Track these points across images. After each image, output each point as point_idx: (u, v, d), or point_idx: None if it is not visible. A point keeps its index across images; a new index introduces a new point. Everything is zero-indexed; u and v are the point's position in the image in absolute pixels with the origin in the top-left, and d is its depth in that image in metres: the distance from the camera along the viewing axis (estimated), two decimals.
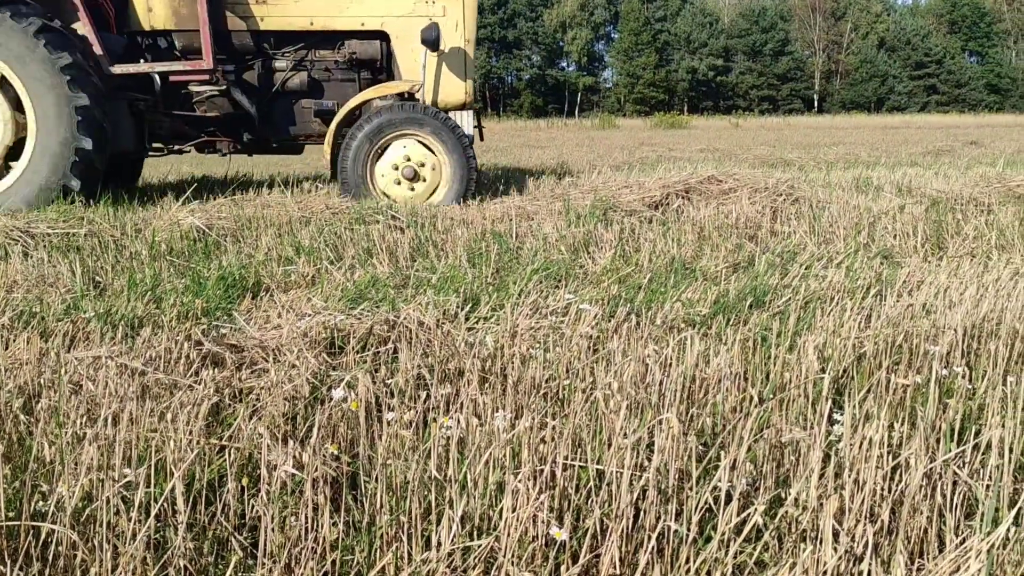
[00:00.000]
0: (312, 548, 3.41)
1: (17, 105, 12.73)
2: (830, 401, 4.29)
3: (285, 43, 14.62)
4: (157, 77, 13.86)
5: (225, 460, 4.01)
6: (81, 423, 4.28)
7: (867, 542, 3.31)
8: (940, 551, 3.46)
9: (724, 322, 5.91)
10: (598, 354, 5.20)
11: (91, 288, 7.23)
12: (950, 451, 3.86)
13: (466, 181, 13.40)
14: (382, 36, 14.66)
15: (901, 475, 3.71)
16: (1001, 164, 19.53)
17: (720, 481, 3.59)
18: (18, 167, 12.65)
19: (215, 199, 12.85)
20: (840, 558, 3.28)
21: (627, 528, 3.46)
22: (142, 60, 14.26)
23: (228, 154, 14.94)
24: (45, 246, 9.11)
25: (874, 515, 3.55)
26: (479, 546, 3.37)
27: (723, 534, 3.39)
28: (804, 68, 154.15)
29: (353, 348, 5.48)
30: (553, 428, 4.05)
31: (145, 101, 13.98)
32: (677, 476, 3.73)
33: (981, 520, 3.48)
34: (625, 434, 3.92)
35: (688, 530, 3.42)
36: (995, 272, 6.85)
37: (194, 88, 14.08)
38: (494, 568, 3.31)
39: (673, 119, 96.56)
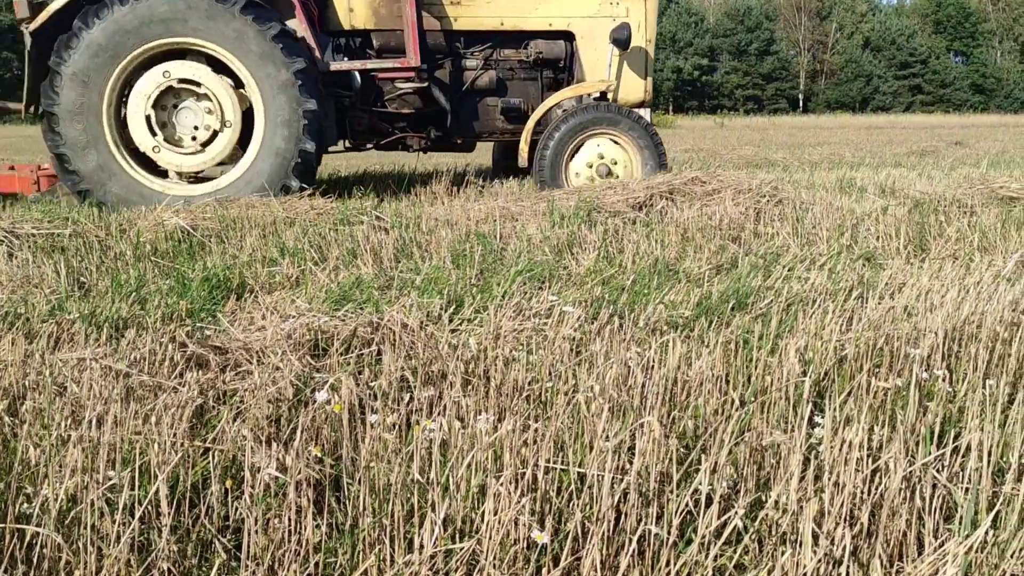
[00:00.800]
0: (295, 550, 3.43)
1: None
2: (811, 404, 4.32)
3: (475, 43, 15.04)
4: (357, 75, 14.21)
5: (209, 462, 4.02)
6: (66, 425, 4.29)
7: (846, 545, 3.33)
8: (919, 554, 3.48)
9: (706, 324, 5.93)
10: (580, 356, 5.22)
11: (76, 289, 7.24)
12: (929, 454, 3.88)
13: (660, 159, 14.03)
14: (567, 36, 15.13)
15: (880, 478, 3.73)
16: (985, 165, 19.57)
17: (701, 484, 3.61)
18: (242, 164, 13.20)
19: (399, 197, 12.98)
20: (819, 561, 3.31)
21: (608, 531, 3.48)
22: (345, 59, 14.59)
23: (417, 151, 15.30)
24: (30, 246, 9.11)
25: (853, 518, 3.58)
26: (461, 549, 3.39)
27: (703, 537, 3.41)
28: (789, 68, 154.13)
29: (337, 350, 5.49)
30: (535, 431, 4.07)
31: (348, 98, 14.35)
32: (658, 479, 3.75)
33: (960, 523, 3.51)
34: (607, 437, 3.94)
35: (669, 533, 3.44)
36: (977, 274, 6.88)
37: (399, 85, 14.41)
38: (476, 571, 3.33)
39: (658, 119, 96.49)
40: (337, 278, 7.50)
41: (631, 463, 3.77)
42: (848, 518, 3.50)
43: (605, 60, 14.89)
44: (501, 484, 3.51)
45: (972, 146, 32.16)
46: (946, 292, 6.34)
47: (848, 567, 3.31)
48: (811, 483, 3.69)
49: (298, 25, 13.46)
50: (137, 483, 3.74)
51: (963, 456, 3.97)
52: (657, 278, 7.28)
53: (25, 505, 3.64)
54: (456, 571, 3.32)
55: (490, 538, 3.36)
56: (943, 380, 4.68)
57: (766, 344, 5.33)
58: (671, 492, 3.66)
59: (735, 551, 3.46)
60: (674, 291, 6.79)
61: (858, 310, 6.06)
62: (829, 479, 3.69)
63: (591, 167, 14.02)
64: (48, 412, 4.42)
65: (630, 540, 3.40)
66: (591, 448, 3.95)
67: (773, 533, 3.60)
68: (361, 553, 3.44)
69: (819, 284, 6.89)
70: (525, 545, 3.39)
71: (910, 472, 3.74)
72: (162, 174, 13.25)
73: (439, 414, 4.38)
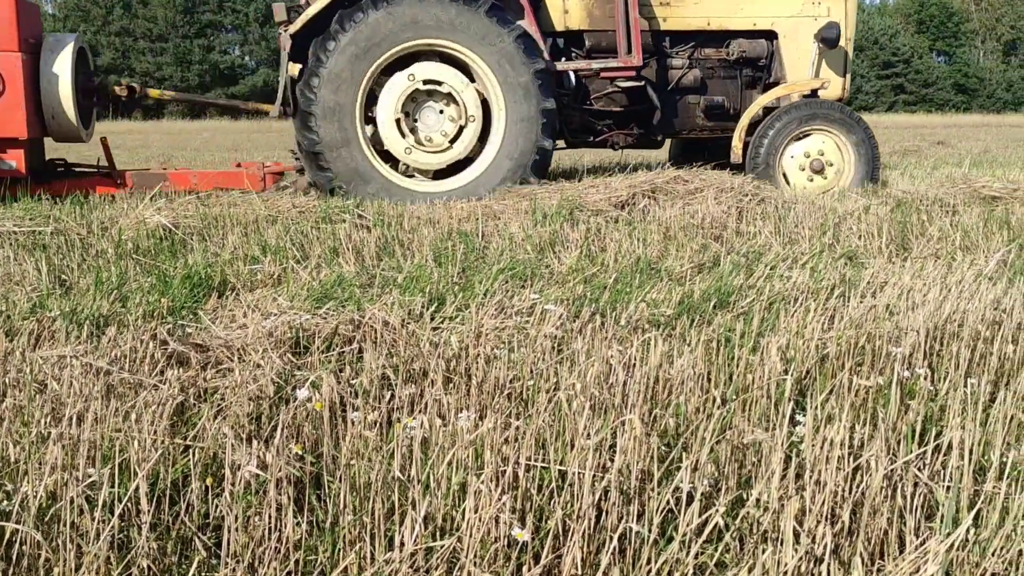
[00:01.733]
0: (275, 548, 3.42)
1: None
2: (792, 402, 4.32)
3: (680, 42, 15.30)
4: (572, 74, 14.49)
5: (189, 460, 4.01)
6: (46, 423, 4.28)
7: (827, 543, 3.33)
8: (900, 552, 3.49)
9: (688, 323, 5.93)
10: (562, 355, 5.22)
11: (57, 287, 7.22)
12: (911, 452, 3.89)
13: (872, 171, 14.39)
14: (769, 35, 15.44)
15: (862, 476, 3.73)
16: (967, 165, 19.62)
17: (682, 482, 3.61)
18: (483, 161, 13.69)
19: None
20: (800, 559, 3.31)
21: (589, 529, 3.48)
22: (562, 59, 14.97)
23: (622, 148, 15.50)
24: (11, 244, 9.09)
25: (835, 516, 3.58)
26: (442, 547, 3.38)
27: (684, 535, 3.41)
28: None
29: (318, 348, 5.48)
30: (516, 429, 4.07)
31: (566, 97, 14.60)
32: (639, 477, 3.75)
33: (941, 521, 3.51)
34: (588, 435, 3.93)
35: (649, 531, 3.44)
36: (959, 273, 6.88)
37: (617, 84, 14.67)
38: (456, 568, 3.33)
39: None
40: (319, 276, 7.49)
41: (612, 461, 3.77)
42: (829, 516, 3.51)
43: (807, 58, 15.26)
44: (482, 482, 3.51)
45: (954, 146, 32.21)
46: (928, 291, 6.35)
47: (829, 565, 3.31)
48: (792, 481, 3.69)
49: (528, 27, 13.90)
50: (117, 480, 3.73)
51: (944, 454, 3.98)
52: (639, 276, 7.28)
53: (5, 502, 3.63)
54: (436, 569, 3.32)
55: (471, 536, 3.36)
56: (925, 379, 4.69)
57: (748, 342, 5.33)
58: (652, 490, 3.66)
59: (716, 549, 3.46)
60: (656, 289, 6.80)
61: (840, 309, 6.07)
62: (810, 477, 3.70)
63: (808, 156, 14.45)
64: (28, 409, 4.41)
65: (611, 538, 3.39)
66: (572, 446, 3.95)
67: (754, 531, 3.60)
68: (342, 551, 3.43)
69: (801, 283, 6.90)
70: (506, 543, 3.38)
71: (891, 470, 3.74)
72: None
73: (420, 412, 4.38)
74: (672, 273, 7.50)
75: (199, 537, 3.61)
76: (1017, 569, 3.25)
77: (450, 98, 13.52)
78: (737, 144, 14.64)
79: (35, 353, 5.32)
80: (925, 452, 3.94)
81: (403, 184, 13.45)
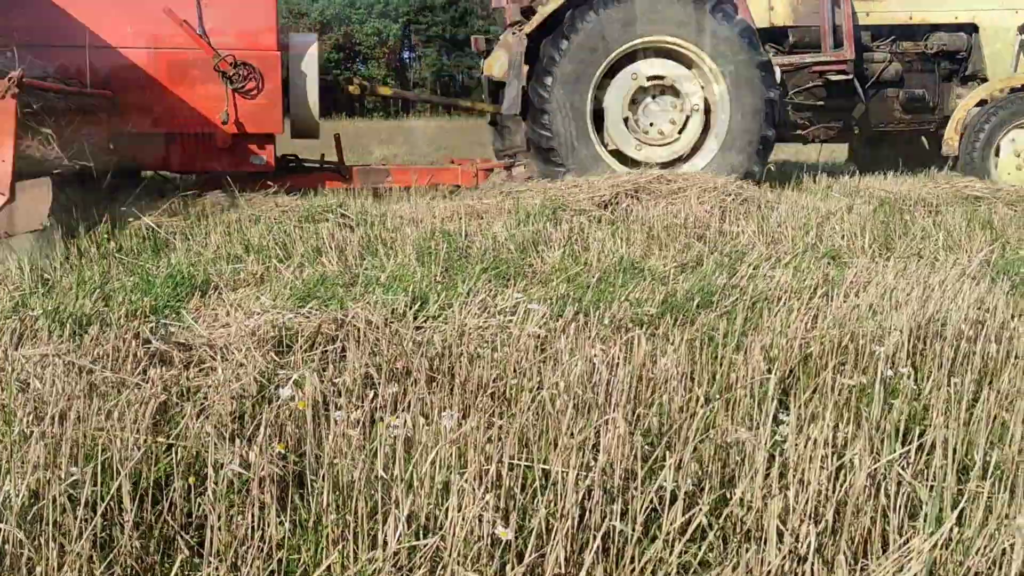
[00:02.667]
0: (258, 547, 3.42)
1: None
2: (776, 401, 4.31)
3: (880, 36, 15.72)
4: (778, 69, 14.66)
5: (172, 459, 4.00)
6: (28, 421, 4.26)
7: (811, 542, 3.33)
8: (884, 551, 3.49)
9: (672, 322, 5.93)
10: (546, 354, 5.21)
11: (39, 285, 7.19)
12: (894, 452, 3.89)
13: None
14: (969, 28, 15.71)
15: (845, 475, 3.73)
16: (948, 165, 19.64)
17: (665, 481, 3.61)
18: (707, 152, 14.24)
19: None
20: (784, 558, 3.31)
21: (572, 528, 3.47)
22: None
23: (822, 142, 16.10)
24: None
25: (818, 515, 3.58)
26: (425, 545, 3.38)
27: (668, 534, 3.41)
28: None
29: (301, 347, 5.47)
30: (500, 428, 4.07)
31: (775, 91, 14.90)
32: (623, 476, 3.75)
33: (924, 520, 3.51)
34: (571, 434, 3.93)
35: (633, 530, 3.44)
36: (941, 273, 6.89)
37: (827, 79, 15.14)
38: (440, 567, 3.32)
39: None
40: (302, 275, 7.47)
41: (595, 460, 3.77)
42: (813, 515, 3.50)
43: (1009, 51, 15.41)
44: (465, 481, 3.50)
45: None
46: (911, 290, 6.35)
47: (813, 564, 3.31)
48: (776, 480, 3.69)
49: (748, 21, 14.35)
50: (100, 479, 3.72)
51: (928, 454, 3.98)
52: (622, 276, 7.27)
53: None
54: (419, 568, 3.31)
55: (454, 535, 3.35)
56: (908, 378, 4.69)
57: (731, 341, 5.33)
58: (635, 489, 3.65)
59: (700, 548, 3.46)
60: (639, 289, 6.79)
61: (823, 308, 6.07)
62: (794, 476, 3.70)
63: (1019, 156, 14.54)
64: (10, 408, 4.40)
65: (594, 537, 3.39)
66: (555, 445, 3.95)
67: (738, 530, 3.60)
68: (325, 550, 3.43)
69: (784, 282, 6.90)
70: (489, 542, 3.38)
71: (874, 470, 3.74)
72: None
73: (403, 411, 4.37)
74: (655, 273, 7.50)
75: (182, 536, 3.60)
76: (1000, 568, 3.25)
77: (672, 92, 14.12)
78: (953, 136, 14.75)
79: (17, 352, 5.30)
80: (908, 451, 3.94)
81: None
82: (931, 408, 4.44)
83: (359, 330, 5.66)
